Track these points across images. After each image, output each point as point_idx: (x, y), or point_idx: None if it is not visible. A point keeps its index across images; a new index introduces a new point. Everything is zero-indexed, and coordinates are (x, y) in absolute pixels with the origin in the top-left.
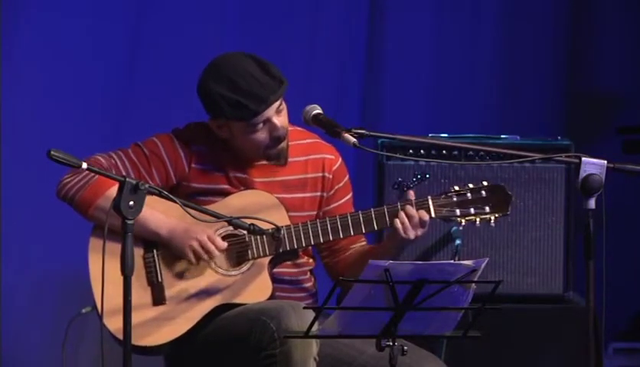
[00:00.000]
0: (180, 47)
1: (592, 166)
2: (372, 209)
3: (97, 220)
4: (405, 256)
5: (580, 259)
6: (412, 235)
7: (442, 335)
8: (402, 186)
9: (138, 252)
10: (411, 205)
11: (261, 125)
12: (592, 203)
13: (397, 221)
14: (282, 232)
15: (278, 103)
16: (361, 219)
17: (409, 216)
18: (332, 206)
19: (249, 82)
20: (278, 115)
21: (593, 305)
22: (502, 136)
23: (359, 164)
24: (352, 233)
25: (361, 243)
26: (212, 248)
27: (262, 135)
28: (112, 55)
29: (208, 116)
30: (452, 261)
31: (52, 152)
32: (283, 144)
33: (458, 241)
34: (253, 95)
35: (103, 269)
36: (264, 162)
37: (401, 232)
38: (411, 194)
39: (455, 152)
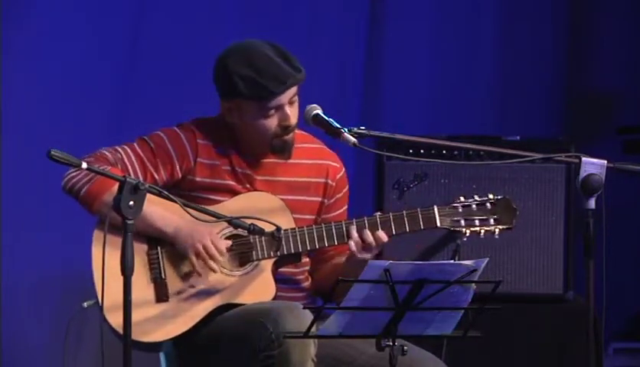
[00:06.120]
0: (181, 45)
1: (592, 166)
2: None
3: (102, 215)
4: (405, 256)
5: (580, 259)
6: (367, 256)
7: (442, 335)
8: (402, 186)
9: (143, 248)
10: (376, 226)
11: (273, 111)
12: (592, 203)
13: (351, 242)
14: (281, 232)
15: (293, 92)
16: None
17: (362, 239)
18: (330, 214)
19: (269, 64)
20: (290, 106)
21: (593, 305)
22: (502, 136)
23: (359, 164)
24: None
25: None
26: (215, 253)
27: (271, 122)
28: (112, 52)
29: (220, 98)
30: (452, 261)
31: (52, 152)
32: (290, 137)
33: (458, 241)
34: (272, 76)
35: (103, 266)
36: (269, 159)
37: (356, 253)
38: (377, 214)
39: (455, 152)
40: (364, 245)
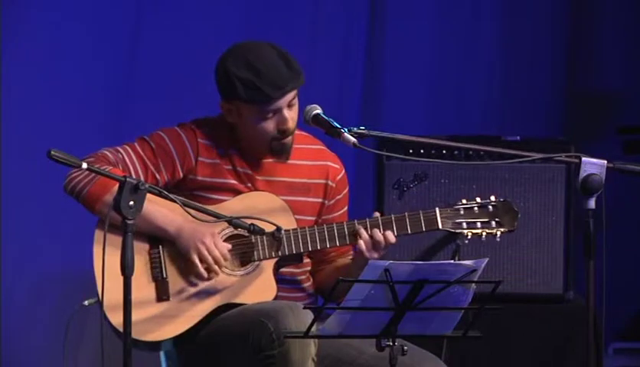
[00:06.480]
0: (180, 47)
1: (592, 166)
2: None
3: (104, 215)
4: (405, 256)
5: (580, 259)
6: (375, 255)
7: (442, 335)
8: (402, 186)
9: (144, 247)
10: (377, 227)
11: (271, 115)
12: (592, 203)
13: (361, 241)
14: (281, 232)
15: (291, 96)
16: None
17: (372, 236)
18: (331, 216)
19: (268, 67)
20: (289, 109)
21: (593, 305)
22: (502, 136)
23: (359, 164)
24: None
25: (349, 256)
26: (218, 256)
27: (269, 125)
28: (111, 54)
29: (221, 98)
30: (452, 261)
31: (52, 152)
32: (289, 140)
33: (458, 241)
34: (270, 80)
35: (103, 265)
36: (269, 159)
37: (365, 252)
38: (379, 215)
39: (455, 152)
40: (374, 242)
